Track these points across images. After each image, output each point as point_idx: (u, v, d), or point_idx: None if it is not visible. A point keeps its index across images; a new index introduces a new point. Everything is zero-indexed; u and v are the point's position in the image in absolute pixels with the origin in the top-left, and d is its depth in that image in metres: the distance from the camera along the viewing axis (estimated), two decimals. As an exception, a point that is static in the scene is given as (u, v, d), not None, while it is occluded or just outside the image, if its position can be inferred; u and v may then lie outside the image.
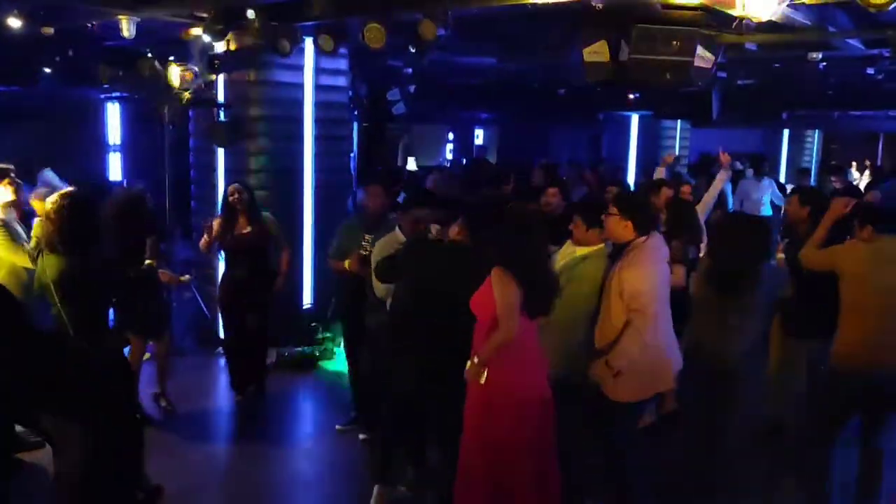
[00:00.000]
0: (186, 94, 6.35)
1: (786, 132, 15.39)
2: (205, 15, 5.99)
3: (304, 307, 7.15)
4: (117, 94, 10.63)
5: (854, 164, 15.31)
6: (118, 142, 12.07)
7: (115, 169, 12.03)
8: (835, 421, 4.13)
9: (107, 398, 2.84)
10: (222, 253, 5.82)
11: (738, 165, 12.55)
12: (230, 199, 5.57)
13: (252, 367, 5.86)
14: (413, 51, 5.72)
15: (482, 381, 3.55)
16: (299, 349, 6.74)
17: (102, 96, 11.10)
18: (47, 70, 7.62)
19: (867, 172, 14.12)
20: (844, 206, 4.33)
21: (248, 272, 5.59)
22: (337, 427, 5.35)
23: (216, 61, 6.30)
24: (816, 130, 15.59)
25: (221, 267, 6.11)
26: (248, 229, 5.57)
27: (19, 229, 4.87)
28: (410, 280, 4.09)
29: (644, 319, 3.64)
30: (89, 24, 6.43)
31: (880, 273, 3.95)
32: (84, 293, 4.00)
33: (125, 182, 11.40)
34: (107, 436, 2.76)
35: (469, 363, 3.62)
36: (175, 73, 6.24)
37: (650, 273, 3.73)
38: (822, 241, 4.28)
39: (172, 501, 4.18)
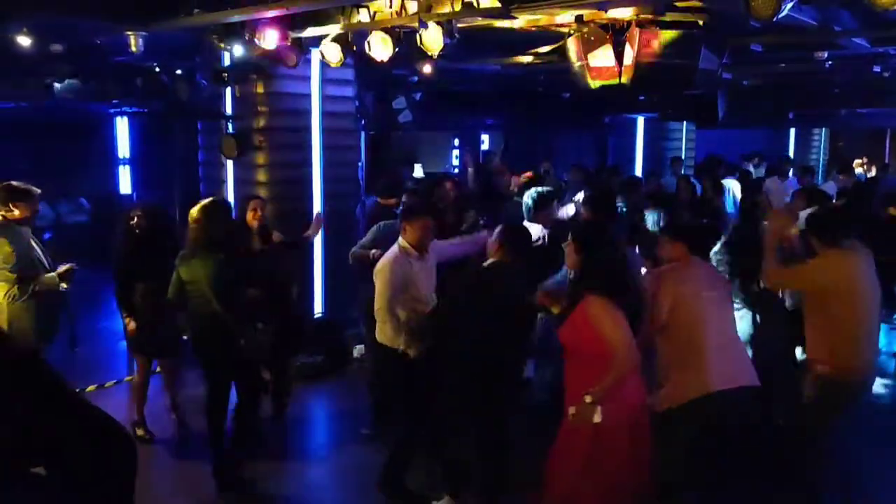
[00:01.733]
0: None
1: (792, 131, 15.35)
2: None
3: (316, 316, 7.18)
4: (127, 108, 10.71)
5: (865, 159, 15.28)
6: (128, 155, 12.17)
7: (125, 182, 12.11)
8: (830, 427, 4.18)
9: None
10: None
11: (749, 167, 12.53)
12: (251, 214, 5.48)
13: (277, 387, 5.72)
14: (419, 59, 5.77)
15: (597, 419, 3.42)
16: (311, 359, 6.76)
17: (112, 111, 11.19)
18: (57, 85, 7.69)
19: (874, 169, 14.10)
20: (788, 220, 4.40)
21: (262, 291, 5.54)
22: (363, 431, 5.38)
23: (224, 74, 6.35)
24: (823, 130, 15.55)
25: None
26: (261, 247, 5.48)
27: (34, 244, 4.89)
28: (489, 303, 4.03)
29: None
30: (98, 41, 6.50)
31: (860, 281, 4.04)
32: (235, 289, 4.46)
33: (135, 195, 11.50)
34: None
35: (573, 408, 3.49)
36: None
37: None
38: (776, 258, 4.25)
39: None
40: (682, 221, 6.59)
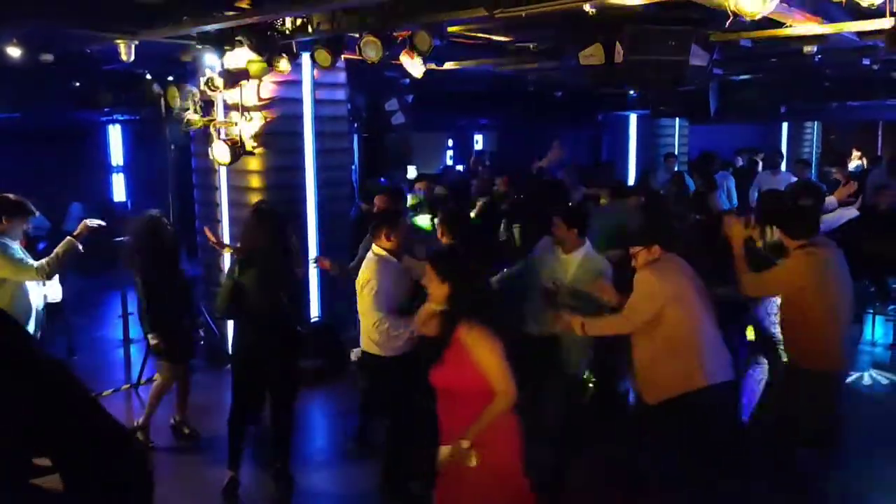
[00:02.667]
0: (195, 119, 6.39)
1: (784, 125, 15.39)
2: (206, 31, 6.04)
3: (312, 320, 7.17)
4: (119, 116, 10.71)
5: (859, 153, 15.38)
6: (121, 163, 12.16)
7: (118, 190, 12.10)
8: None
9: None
10: None
11: (740, 162, 12.57)
12: None
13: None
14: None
15: (474, 463, 3.14)
16: (309, 362, 6.75)
17: (104, 119, 11.19)
18: (48, 96, 7.69)
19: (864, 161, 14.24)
20: (746, 224, 4.40)
21: None
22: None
23: (215, 81, 6.34)
24: (816, 123, 15.60)
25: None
26: None
27: (23, 256, 4.87)
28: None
29: None
30: (88, 50, 6.49)
31: (830, 278, 4.06)
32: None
33: (129, 203, 11.49)
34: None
35: (448, 449, 3.22)
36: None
37: None
38: (746, 267, 4.27)
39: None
40: (671, 217, 6.61)
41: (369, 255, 4.47)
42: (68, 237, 4.93)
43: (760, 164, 11.76)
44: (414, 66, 5.52)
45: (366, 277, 4.34)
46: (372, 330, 4.34)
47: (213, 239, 5.60)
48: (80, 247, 4.90)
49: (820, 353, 4.07)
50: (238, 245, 5.07)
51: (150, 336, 5.37)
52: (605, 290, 4.25)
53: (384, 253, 4.41)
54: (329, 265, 5.34)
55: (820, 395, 4.04)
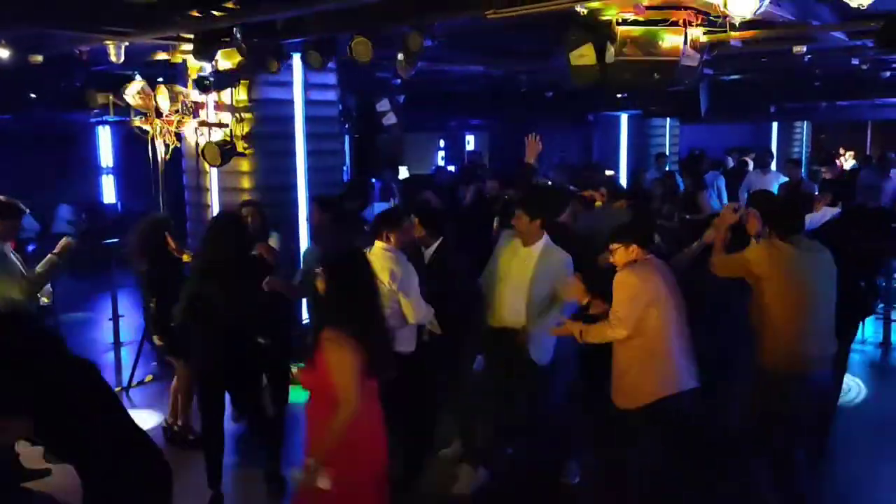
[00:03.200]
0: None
1: (775, 124, 15.47)
2: (191, 36, 6.02)
3: (304, 323, 7.15)
4: (108, 117, 10.67)
5: (853, 152, 15.50)
6: (111, 164, 12.10)
7: (108, 191, 12.05)
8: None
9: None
10: None
11: (731, 162, 12.62)
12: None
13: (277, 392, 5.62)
14: (401, 59, 5.78)
15: (323, 485, 2.93)
16: (301, 364, 6.73)
17: (93, 120, 11.14)
18: (37, 97, 7.64)
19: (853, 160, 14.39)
20: (733, 211, 4.37)
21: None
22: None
23: (206, 81, 6.33)
24: (805, 123, 15.69)
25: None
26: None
27: (14, 259, 4.84)
28: None
29: None
30: (77, 51, 6.46)
31: (798, 276, 3.97)
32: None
33: (119, 205, 11.44)
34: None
35: (296, 471, 3.07)
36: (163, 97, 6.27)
37: None
38: (724, 247, 4.26)
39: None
40: (655, 217, 6.62)
41: (376, 249, 4.41)
42: (49, 255, 4.88)
43: (751, 163, 11.81)
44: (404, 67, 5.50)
45: (393, 267, 4.30)
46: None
47: (172, 245, 5.50)
48: (61, 262, 4.87)
49: (771, 352, 3.99)
50: (197, 253, 4.96)
51: (156, 338, 5.35)
52: (573, 288, 4.18)
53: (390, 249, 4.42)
54: None
55: (789, 395, 3.95)
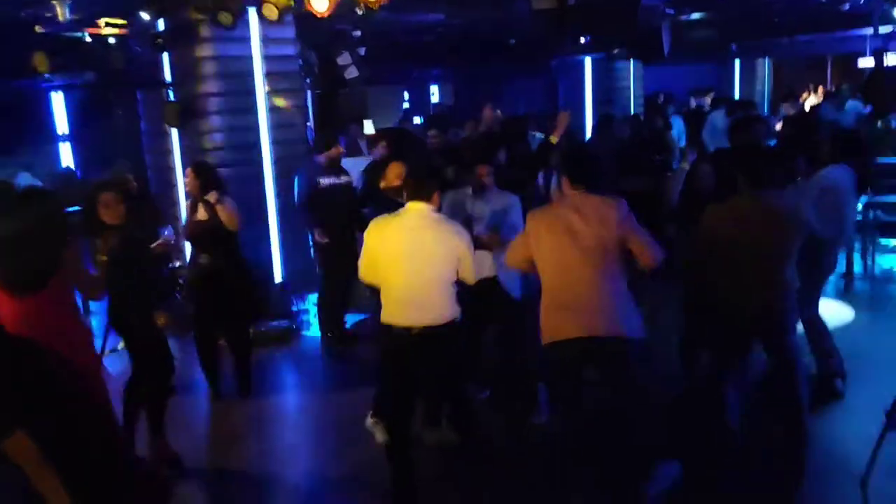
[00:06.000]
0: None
1: (737, 64, 15.53)
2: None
3: (276, 282, 7.13)
4: (60, 82, 10.34)
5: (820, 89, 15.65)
6: (66, 131, 11.77)
7: (66, 159, 11.75)
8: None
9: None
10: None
11: (694, 103, 12.66)
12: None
13: (239, 363, 5.62)
14: (360, 13, 5.67)
15: None
16: (275, 323, 6.74)
17: (45, 85, 10.78)
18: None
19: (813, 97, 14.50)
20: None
21: (211, 259, 5.37)
22: None
23: (158, 39, 6.15)
24: (767, 60, 15.76)
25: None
26: (206, 216, 5.26)
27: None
28: None
29: None
30: (22, 13, 6.23)
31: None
32: None
33: (79, 173, 11.18)
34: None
35: None
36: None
37: None
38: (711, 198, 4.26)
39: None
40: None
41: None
42: None
43: (706, 106, 11.82)
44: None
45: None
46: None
47: (105, 217, 5.24)
48: None
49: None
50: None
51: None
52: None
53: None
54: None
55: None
